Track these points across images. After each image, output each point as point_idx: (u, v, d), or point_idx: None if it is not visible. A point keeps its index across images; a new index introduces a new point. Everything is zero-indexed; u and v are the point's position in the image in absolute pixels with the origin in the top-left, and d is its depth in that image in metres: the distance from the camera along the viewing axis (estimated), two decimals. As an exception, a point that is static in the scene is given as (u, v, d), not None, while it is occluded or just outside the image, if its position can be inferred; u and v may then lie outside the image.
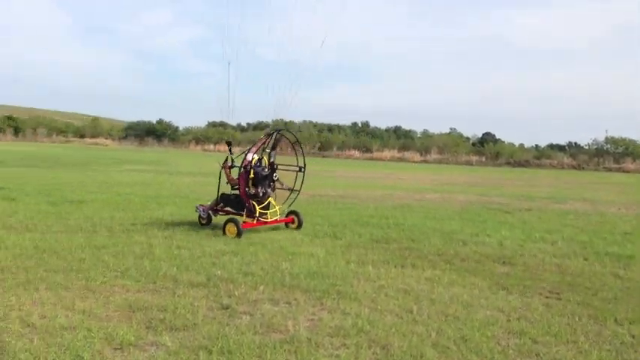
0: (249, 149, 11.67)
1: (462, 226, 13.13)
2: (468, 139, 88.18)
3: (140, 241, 9.76)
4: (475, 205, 18.39)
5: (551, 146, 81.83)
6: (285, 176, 12.26)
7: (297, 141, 12.79)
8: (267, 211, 11.70)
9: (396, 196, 20.70)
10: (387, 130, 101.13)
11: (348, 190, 22.12)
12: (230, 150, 12.10)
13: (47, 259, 8.07)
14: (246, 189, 11.35)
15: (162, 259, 8.40)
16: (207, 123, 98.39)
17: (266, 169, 11.63)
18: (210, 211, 11.98)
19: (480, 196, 22.22)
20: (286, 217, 12.11)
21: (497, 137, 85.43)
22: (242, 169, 11.35)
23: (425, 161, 71.37)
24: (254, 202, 11.44)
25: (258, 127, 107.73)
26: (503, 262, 9.32)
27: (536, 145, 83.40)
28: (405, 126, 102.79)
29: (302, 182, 12.47)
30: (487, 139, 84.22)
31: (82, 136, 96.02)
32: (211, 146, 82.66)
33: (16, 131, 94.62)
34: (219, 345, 5.14)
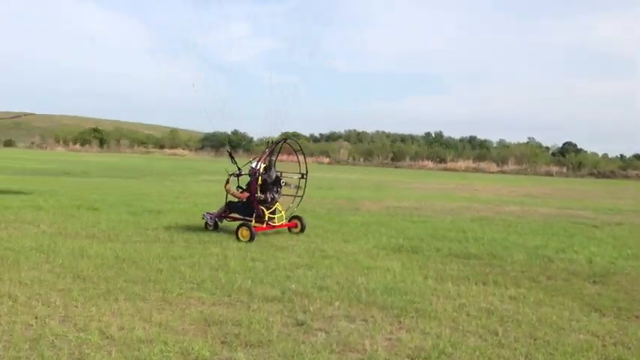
0: (257, 158, 12.40)
1: (547, 240, 12.46)
2: (547, 148, 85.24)
3: (215, 252, 9.80)
4: (558, 218, 17.50)
5: (638, 156, 77.70)
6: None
7: (300, 149, 13.52)
8: (275, 216, 12.22)
9: (474, 208, 20.02)
10: (461, 140, 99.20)
11: (422, 202, 21.62)
12: (233, 159, 12.85)
13: (127, 269, 8.20)
14: (256, 195, 11.89)
15: (237, 272, 8.37)
16: (280, 133, 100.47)
17: (273, 176, 12.25)
18: (216, 218, 12.56)
19: (563, 208, 21.17)
20: (289, 221, 12.70)
21: (579, 147, 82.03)
22: (252, 177, 12.04)
23: (502, 172, 69.36)
24: (263, 208, 11.95)
25: (331, 137, 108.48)
26: (594, 281, 8.69)
27: (621, 155, 79.46)
28: (480, 136, 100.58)
29: (304, 188, 13.17)
30: (568, 148, 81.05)
31: (162, 147, 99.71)
32: (284, 156, 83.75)
33: (101, 142, 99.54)
34: (295, 364, 4.98)
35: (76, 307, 6.34)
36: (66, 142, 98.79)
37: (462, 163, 74.67)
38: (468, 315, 6.62)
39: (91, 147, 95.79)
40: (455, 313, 6.66)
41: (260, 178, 11.94)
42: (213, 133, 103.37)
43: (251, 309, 6.58)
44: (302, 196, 13.19)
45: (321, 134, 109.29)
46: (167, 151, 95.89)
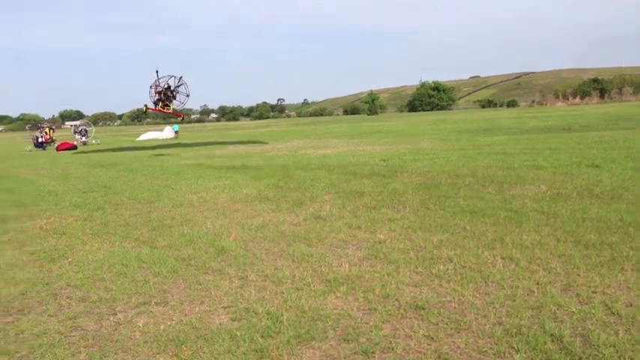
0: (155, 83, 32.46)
1: None
2: None
3: None
4: None
5: None
6: None
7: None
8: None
9: None
10: None
11: None
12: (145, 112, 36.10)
13: (634, 235, 7.37)
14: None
15: None
16: None
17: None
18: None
19: None
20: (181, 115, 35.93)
21: None
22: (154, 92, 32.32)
23: None
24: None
25: None
26: None
27: None
28: None
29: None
30: None
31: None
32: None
33: (602, 93, 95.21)
34: None
35: (578, 275, 6.00)
36: (565, 97, 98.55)
37: None
38: None
39: (591, 98, 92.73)
40: None
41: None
42: None
43: None
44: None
45: None
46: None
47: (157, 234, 9.28)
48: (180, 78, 32.24)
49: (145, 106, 32.44)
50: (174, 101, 32.39)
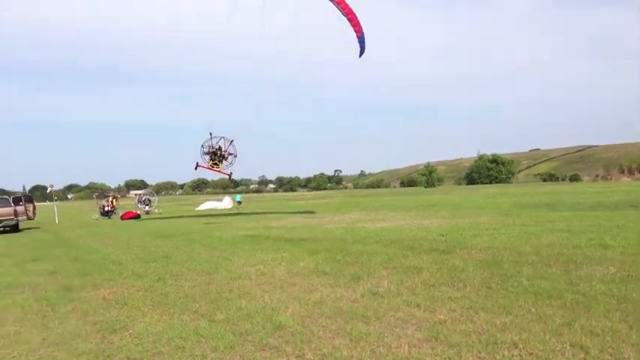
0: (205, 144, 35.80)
1: None
2: None
3: None
4: None
5: None
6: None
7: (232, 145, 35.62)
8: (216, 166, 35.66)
9: None
10: None
11: None
12: (196, 169, 36.03)
13: None
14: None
15: None
16: None
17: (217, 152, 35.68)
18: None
19: None
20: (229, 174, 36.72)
21: None
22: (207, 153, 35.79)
23: None
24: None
25: None
26: None
27: None
28: None
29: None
30: None
31: None
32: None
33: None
34: None
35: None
36: (631, 171, 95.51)
37: None
38: None
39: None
40: None
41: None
42: None
43: None
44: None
45: None
46: None
47: (214, 307, 9.34)
48: (232, 141, 35.17)
49: (197, 163, 35.07)
50: (223, 161, 35.32)
